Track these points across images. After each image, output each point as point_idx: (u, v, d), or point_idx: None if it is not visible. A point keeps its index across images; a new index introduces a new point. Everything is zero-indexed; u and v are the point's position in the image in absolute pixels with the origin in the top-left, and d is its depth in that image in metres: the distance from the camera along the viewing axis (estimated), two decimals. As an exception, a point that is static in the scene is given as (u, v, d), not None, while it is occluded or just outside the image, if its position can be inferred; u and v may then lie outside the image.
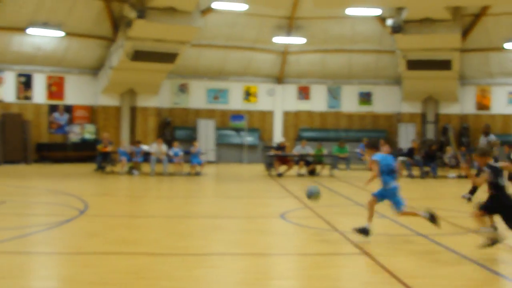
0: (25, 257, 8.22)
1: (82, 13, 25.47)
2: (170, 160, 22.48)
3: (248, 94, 31.15)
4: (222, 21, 28.11)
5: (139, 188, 18.78)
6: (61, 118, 27.83)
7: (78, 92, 28.33)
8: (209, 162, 27.23)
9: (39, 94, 27.53)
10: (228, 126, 30.70)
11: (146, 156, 22.73)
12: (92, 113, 28.60)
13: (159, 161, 22.33)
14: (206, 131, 29.62)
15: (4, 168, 24.27)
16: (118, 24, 26.33)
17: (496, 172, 8.61)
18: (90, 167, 24.21)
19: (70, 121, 28.01)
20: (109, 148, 23.53)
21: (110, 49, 27.14)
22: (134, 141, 24.77)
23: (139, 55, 24.98)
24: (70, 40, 26.65)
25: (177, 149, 22.84)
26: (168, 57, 25.72)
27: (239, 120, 30.59)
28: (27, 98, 27.25)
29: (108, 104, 28.45)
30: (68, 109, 28.05)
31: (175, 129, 29.59)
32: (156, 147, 22.60)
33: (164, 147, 22.74)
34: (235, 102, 31.05)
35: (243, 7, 25.29)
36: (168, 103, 30.13)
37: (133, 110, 28.79)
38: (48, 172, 23.01)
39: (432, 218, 9.41)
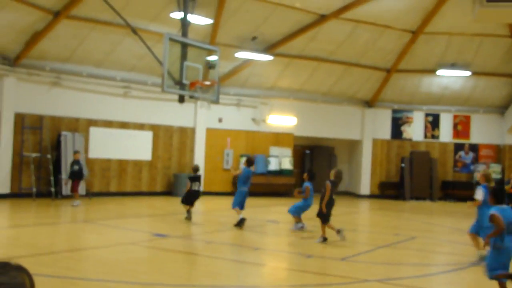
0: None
1: (490, 52, 25.30)
2: None
3: None
4: None
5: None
6: (467, 157, 27.94)
7: (484, 131, 28.09)
8: None
9: (446, 133, 28.24)
10: None
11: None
12: (498, 152, 27.95)
13: None
14: None
15: (411, 204, 25.52)
16: (528, 61, 25.35)
17: None
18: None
19: (475, 160, 27.90)
20: (516, 189, 22.61)
21: (519, 87, 26.26)
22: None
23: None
24: (476, 79, 26.72)
25: None
26: None
27: None
28: (434, 137, 28.22)
29: (515, 143, 27.49)
30: (474, 148, 28.02)
31: None
32: None
33: None
34: None
35: None
36: None
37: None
38: (452, 210, 23.31)
39: None
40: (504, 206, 7.55)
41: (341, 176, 13.06)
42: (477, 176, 11.03)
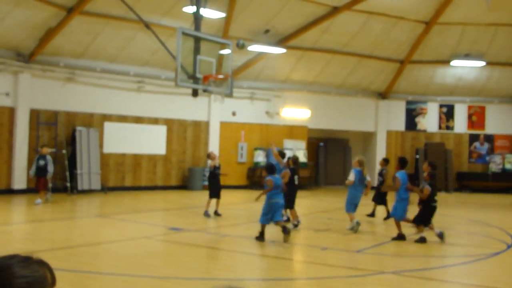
0: (442, 285, 8.52)
1: (504, 42, 25.06)
2: None
3: None
4: None
5: None
6: (482, 147, 27.76)
7: (499, 122, 27.87)
8: None
9: (460, 124, 28.07)
10: None
11: None
12: (514, 143, 27.75)
13: None
14: None
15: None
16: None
17: None
18: (511, 198, 23.48)
19: (491, 151, 27.71)
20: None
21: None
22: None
23: None
24: (491, 69, 26.50)
25: None
26: None
27: None
28: (449, 128, 28.06)
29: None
30: (489, 138, 27.82)
31: None
32: None
33: None
34: None
35: None
36: None
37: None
38: (468, 201, 23.18)
39: None
40: (276, 176, 11.52)
41: (298, 161, 14.11)
42: (353, 162, 12.76)
